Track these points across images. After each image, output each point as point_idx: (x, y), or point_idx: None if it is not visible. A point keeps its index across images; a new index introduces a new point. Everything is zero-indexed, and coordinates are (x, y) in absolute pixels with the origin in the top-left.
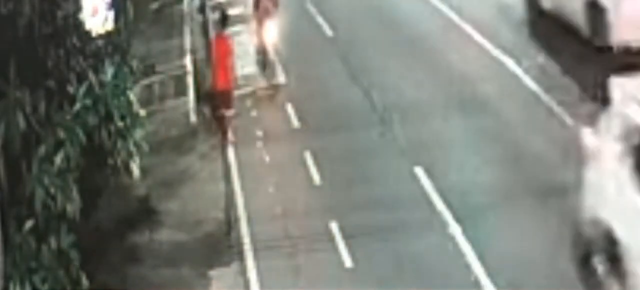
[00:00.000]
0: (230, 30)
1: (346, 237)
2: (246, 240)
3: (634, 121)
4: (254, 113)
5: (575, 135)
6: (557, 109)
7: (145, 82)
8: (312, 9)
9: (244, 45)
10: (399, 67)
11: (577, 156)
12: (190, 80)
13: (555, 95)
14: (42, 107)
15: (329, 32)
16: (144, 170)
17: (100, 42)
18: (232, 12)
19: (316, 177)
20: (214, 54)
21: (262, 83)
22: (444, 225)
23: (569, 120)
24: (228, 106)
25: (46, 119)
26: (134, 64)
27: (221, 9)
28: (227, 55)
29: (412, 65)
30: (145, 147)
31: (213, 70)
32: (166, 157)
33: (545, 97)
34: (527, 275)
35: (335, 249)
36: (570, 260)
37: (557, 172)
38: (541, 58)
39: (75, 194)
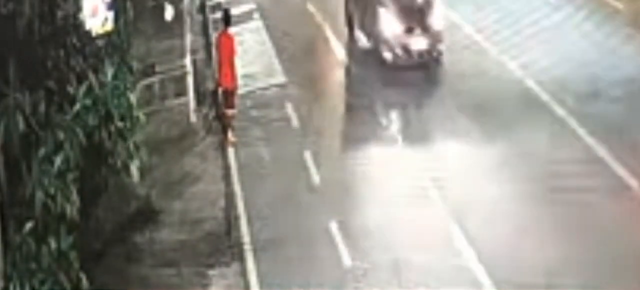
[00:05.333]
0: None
1: (346, 237)
2: (246, 240)
3: None
4: (253, 112)
5: None
6: None
7: (145, 82)
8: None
9: (245, 44)
10: None
11: None
12: (190, 80)
13: None
14: (41, 108)
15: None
16: (143, 171)
17: (100, 42)
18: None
19: (316, 178)
20: (219, 52)
21: (261, 83)
22: (443, 226)
23: None
24: (231, 105)
25: (46, 120)
26: (134, 64)
27: (224, 8)
28: (232, 53)
29: None
30: (144, 153)
31: (219, 68)
32: (166, 157)
33: None
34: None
35: (335, 248)
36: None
37: None
38: None
39: (74, 196)
